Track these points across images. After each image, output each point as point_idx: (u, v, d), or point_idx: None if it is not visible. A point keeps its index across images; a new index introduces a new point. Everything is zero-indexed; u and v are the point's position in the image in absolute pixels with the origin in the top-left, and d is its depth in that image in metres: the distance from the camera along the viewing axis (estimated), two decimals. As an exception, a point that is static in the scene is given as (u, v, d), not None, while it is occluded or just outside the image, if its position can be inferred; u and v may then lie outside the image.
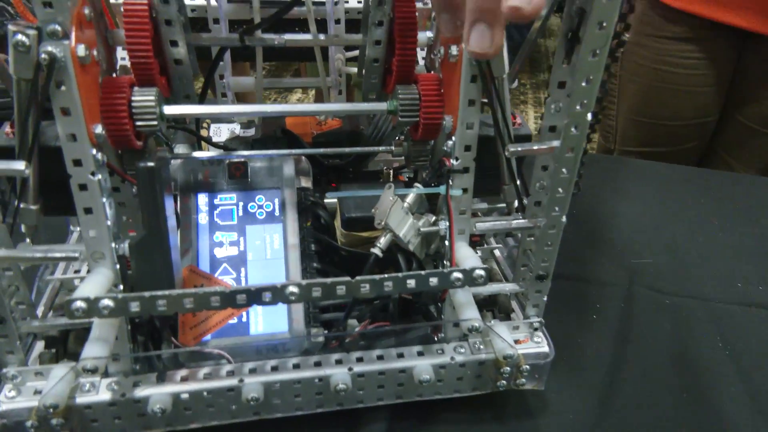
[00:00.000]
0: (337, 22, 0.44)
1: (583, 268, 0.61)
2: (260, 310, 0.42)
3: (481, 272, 0.36)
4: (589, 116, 0.34)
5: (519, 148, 0.35)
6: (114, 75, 0.38)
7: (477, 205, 0.50)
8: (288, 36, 0.40)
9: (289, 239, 0.44)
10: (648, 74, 0.87)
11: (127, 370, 0.38)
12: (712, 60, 0.83)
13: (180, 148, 0.48)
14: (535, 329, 0.45)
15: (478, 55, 0.29)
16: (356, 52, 0.50)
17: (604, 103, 0.35)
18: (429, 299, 0.44)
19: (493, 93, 0.36)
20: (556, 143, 0.35)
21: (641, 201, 0.74)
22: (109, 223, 0.34)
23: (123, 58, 0.45)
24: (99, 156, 0.33)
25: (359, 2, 0.51)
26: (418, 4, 0.40)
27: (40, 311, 0.43)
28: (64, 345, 0.40)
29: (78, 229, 0.51)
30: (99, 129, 0.33)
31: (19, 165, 0.30)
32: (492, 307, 0.47)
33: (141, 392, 0.37)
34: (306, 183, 0.46)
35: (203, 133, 0.51)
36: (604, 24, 0.30)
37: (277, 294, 0.34)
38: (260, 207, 0.45)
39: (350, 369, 0.40)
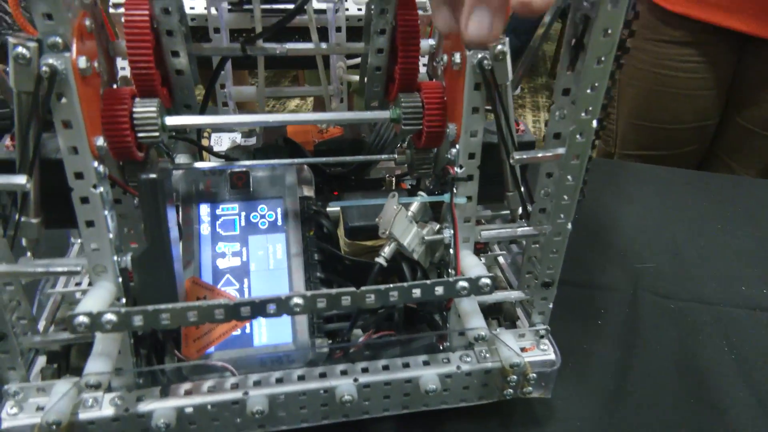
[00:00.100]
0: (338, 30, 0.44)
1: (587, 274, 0.61)
2: (264, 321, 0.41)
3: (487, 281, 0.36)
4: (595, 123, 0.34)
5: (524, 156, 0.35)
6: (114, 86, 0.37)
7: (480, 212, 0.50)
8: (290, 45, 0.39)
9: (291, 249, 0.43)
10: (647, 78, 0.87)
11: (130, 384, 0.37)
12: (712, 63, 0.83)
13: (181, 158, 0.47)
14: (541, 337, 0.44)
15: (475, 42, 0.27)
16: (357, 60, 0.50)
17: (609, 110, 0.35)
18: (434, 308, 0.44)
19: (496, 100, 0.35)
20: (561, 150, 0.35)
21: (642, 205, 0.74)
22: (111, 236, 0.34)
23: (123, 68, 0.45)
24: (101, 168, 0.32)
25: (359, 9, 0.51)
26: (419, 12, 0.40)
27: (41, 325, 0.43)
28: (67, 360, 0.39)
29: (79, 241, 0.51)
30: (100, 141, 0.32)
31: (20, 179, 0.30)
32: (497, 314, 0.47)
33: (145, 407, 0.36)
34: (308, 192, 0.46)
35: (204, 142, 0.51)
36: (609, 31, 0.30)
37: (282, 306, 0.34)
38: (263, 217, 0.44)
39: (356, 380, 0.39)
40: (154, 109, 0.34)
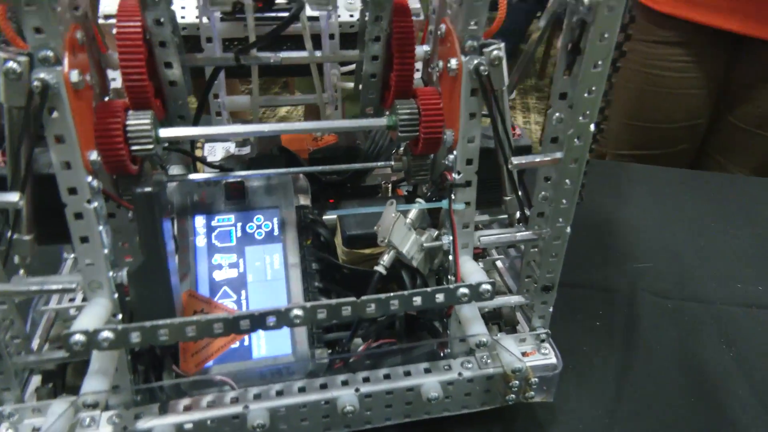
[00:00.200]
0: (331, 37, 0.44)
1: (585, 275, 0.61)
2: (263, 333, 0.41)
3: (488, 287, 0.36)
4: (592, 127, 0.34)
5: (523, 161, 0.35)
6: (106, 98, 0.37)
7: (477, 217, 0.49)
8: (284, 54, 0.39)
9: (289, 259, 0.43)
10: (639, 78, 0.88)
11: (128, 401, 0.37)
12: (702, 63, 0.84)
13: (174, 169, 0.47)
14: (542, 341, 0.44)
15: None
16: (350, 67, 0.50)
17: (606, 113, 0.35)
18: (435, 315, 0.44)
19: (493, 106, 0.35)
20: (559, 155, 0.35)
21: (638, 205, 0.74)
22: (106, 251, 0.33)
23: (113, 79, 0.44)
24: (94, 183, 0.32)
25: (351, 16, 0.51)
26: (413, 18, 0.40)
27: (35, 344, 0.42)
28: (62, 378, 0.39)
29: (72, 256, 0.50)
30: (94, 155, 0.32)
31: (13, 197, 0.29)
32: (497, 319, 0.46)
33: (143, 424, 0.36)
34: (305, 201, 0.45)
35: (197, 152, 0.51)
36: (606, 35, 0.30)
37: (282, 318, 0.33)
38: (259, 227, 0.44)
39: (357, 390, 0.39)
40: (147, 121, 0.34)
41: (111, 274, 0.34)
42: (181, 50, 0.36)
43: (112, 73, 0.42)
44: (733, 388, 0.49)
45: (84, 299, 0.41)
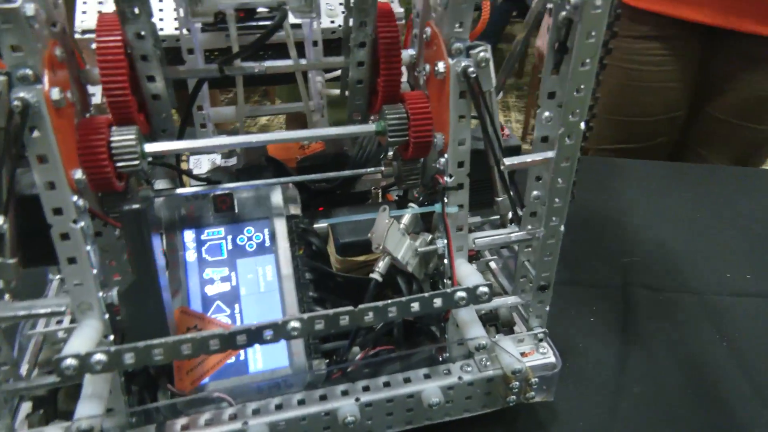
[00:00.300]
0: (315, 44, 0.43)
1: (577, 272, 0.61)
2: (258, 346, 0.40)
3: (485, 289, 0.35)
4: (582, 125, 0.34)
5: (515, 162, 0.35)
6: (87, 115, 0.36)
7: (469, 219, 0.49)
8: (269, 63, 0.38)
9: (282, 270, 0.42)
10: (618, 74, 0.89)
11: (123, 424, 0.36)
12: (678, 56, 0.85)
13: (160, 184, 0.46)
14: (540, 340, 0.44)
15: None
16: (334, 74, 0.49)
17: (595, 111, 0.35)
18: (432, 319, 0.43)
19: (482, 107, 0.35)
20: (550, 154, 0.35)
21: (622, 199, 0.75)
22: (94, 271, 0.32)
23: (93, 94, 0.43)
24: (80, 202, 0.31)
25: (332, 22, 0.50)
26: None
27: (24, 369, 0.41)
28: (54, 404, 0.37)
29: (57, 277, 0.49)
30: (78, 174, 0.31)
31: (-4, 220, 0.28)
32: (494, 321, 0.46)
33: (140, 447, 0.35)
34: (295, 210, 0.45)
35: (182, 165, 0.50)
36: (593, 33, 0.30)
37: (279, 331, 0.33)
38: (250, 239, 0.43)
39: (357, 399, 0.38)
40: (132, 137, 0.33)
41: (101, 294, 0.33)
42: (164, 63, 0.36)
43: (91, 89, 0.41)
44: (729, 377, 0.49)
45: (72, 321, 0.40)
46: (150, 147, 0.34)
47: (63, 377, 0.29)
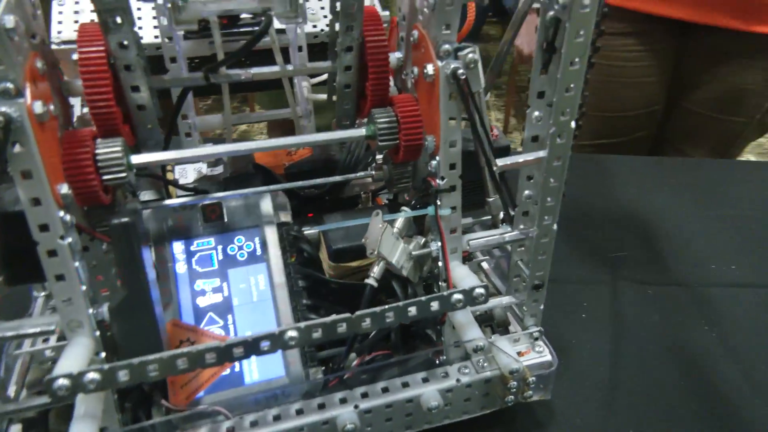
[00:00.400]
0: (300, 49, 0.43)
1: (565, 268, 0.61)
2: (254, 356, 0.40)
3: (481, 290, 0.35)
4: (572, 124, 0.34)
5: (507, 162, 0.35)
6: (71, 128, 0.35)
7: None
8: (255, 70, 0.38)
9: (274, 278, 0.42)
10: (596, 70, 0.89)
11: (118, 443, 0.35)
12: (655, 51, 0.86)
13: (146, 195, 0.45)
14: (536, 339, 0.44)
15: None
16: (320, 78, 0.49)
17: (584, 109, 0.35)
18: (428, 323, 0.43)
19: (472, 109, 0.35)
20: (542, 153, 0.35)
21: (606, 195, 0.76)
22: (83, 287, 0.31)
23: (72, 105, 0.42)
24: (67, 218, 0.30)
25: (314, 26, 0.50)
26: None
27: (12, 390, 0.39)
28: (45, 425, 0.36)
29: (42, 294, 0.48)
30: (64, 189, 0.30)
31: (-20, 239, 0.27)
32: (489, 321, 0.46)
33: (137, 466, 0.34)
34: (285, 217, 0.44)
35: (168, 175, 0.49)
36: (582, 32, 0.30)
37: (276, 341, 0.32)
38: (240, 248, 0.42)
39: (356, 406, 0.38)
40: (118, 148, 0.32)
41: (91, 311, 0.32)
42: (148, 73, 0.35)
43: (72, 100, 0.40)
44: (719, 366, 0.50)
45: (59, 339, 0.39)
46: (137, 158, 0.34)
47: (55, 398, 0.28)
